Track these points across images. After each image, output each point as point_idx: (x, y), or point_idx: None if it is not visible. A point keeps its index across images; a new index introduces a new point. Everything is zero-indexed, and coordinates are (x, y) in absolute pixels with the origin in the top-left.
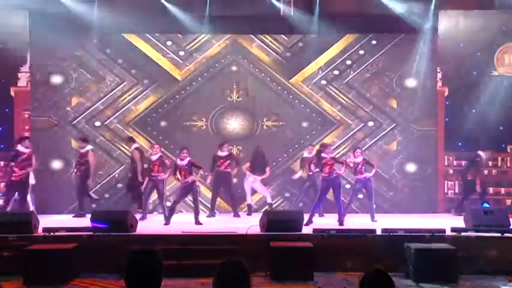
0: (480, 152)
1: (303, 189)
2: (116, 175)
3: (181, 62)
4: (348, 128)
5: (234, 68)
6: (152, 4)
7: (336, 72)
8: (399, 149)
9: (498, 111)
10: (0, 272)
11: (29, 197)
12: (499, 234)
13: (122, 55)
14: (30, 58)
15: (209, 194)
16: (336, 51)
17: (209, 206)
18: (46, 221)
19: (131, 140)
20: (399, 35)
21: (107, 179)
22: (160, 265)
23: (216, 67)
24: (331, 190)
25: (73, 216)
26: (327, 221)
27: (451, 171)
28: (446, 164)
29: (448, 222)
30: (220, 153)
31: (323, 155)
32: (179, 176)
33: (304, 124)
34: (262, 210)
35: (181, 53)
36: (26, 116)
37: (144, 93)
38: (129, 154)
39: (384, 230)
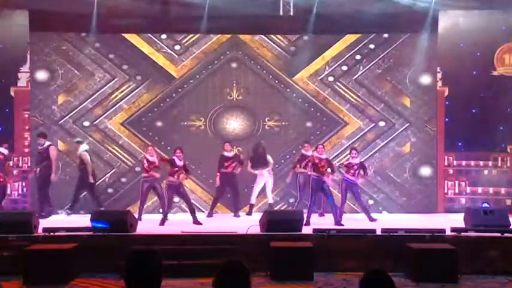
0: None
1: (299, 190)
2: (106, 179)
3: (177, 57)
4: (357, 128)
5: (234, 65)
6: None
7: (345, 67)
8: (413, 151)
9: (498, 111)
10: (0, 272)
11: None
12: (499, 234)
13: (113, 50)
14: (30, 58)
15: (201, 195)
16: (344, 46)
17: (200, 206)
18: (46, 221)
19: (44, 136)
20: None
21: (96, 184)
22: (160, 265)
23: (215, 64)
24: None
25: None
26: (327, 221)
27: (451, 171)
28: (446, 164)
29: (448, 222)
30: (227, 154)
31: (303, 151)
32: (175, 176)
33: (309, 124)
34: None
35: (177, 47)
36: (26, 116)
37: (137, 90)
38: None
39: (383, 230)
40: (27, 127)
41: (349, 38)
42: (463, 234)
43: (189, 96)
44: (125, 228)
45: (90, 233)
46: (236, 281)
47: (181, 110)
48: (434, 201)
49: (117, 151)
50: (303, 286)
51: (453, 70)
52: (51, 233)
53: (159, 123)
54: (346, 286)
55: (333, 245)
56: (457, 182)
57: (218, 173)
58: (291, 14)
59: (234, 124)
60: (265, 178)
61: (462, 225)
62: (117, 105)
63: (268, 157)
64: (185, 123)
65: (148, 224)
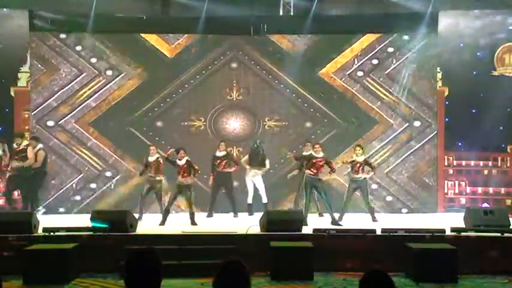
0: None
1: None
2: (73, 185)
3: (177, 55)
4: (388, 127)
5: (234, 65)
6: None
7: (363, 69)
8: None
9: (498, 111)
10: (0, 272)
11: None
12: (499, 234)
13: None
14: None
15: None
16: (356, 51)
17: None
18: (46, 221)
19: (36, 139)
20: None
21: (61, 190)
22: (160, 265)
23: (215, 64)
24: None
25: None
26: (327, 221)
27: (451, 171)
28: (446, 164)
29: (448, 222)
30: (218, 154)
31: (304, 153)
32: (180, 176)
33: (308, 124)
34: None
35: (177, 47)
36: (26, 116)
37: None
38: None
39: (383, 230)
40: (27, 127)
41: (360, 44)
42: (463, 234)
43: (190, 96)
44: (124, 228)
45: (90, 233)
46: (236, 281)
47: (182, 110)
48: (435, 201)
49: (86, 154)
50: (303, 286)
51: (453, 70)
52: (51, 233)
53: (159, 123)
54: (346, 286)
55: (333, 245)
56: (457, 182)
57: (211, 174)
58: (291, 14)
59: (234, 124)
60: (256, 176)
61: (462, 225)
62: (85, 104)
63: (267, 161)
64: (185, 123)
65: (148, 224)
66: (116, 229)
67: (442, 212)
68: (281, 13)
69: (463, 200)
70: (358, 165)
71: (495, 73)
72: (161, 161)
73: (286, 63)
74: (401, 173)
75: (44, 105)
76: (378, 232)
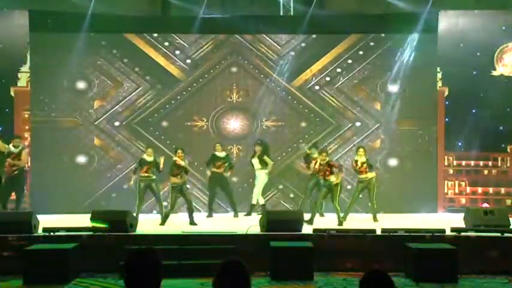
0: None
1: (308, 189)
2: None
3: (188, 69)
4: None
5: (234, 69)
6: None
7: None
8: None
9: (498, 111)
10: (0, 272)
11: None
12: (499, 234)
13: (136, 61)
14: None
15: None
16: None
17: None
18: (46, 221)
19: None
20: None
21: (123, 173)
22: (160, 265)
23: (216, 68)
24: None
25: None
26: (327, 221)
27: (451, 171)
28: (446, 164)
29: (448, 222)
30: (219, 154)
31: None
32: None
33: (303, 124)
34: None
35: (188, 61)
36: (26, 116)
37: (151, 94)
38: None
39: (384, 230)
40: (27, 127)
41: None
42: (463, 234)
43: (193, 98)
44: (124, 228)
45: (90, 233)
46: (236, 281)
47: (186, 111)
48: (435, 201)
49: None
50: (303, 286)
51: (453, 70)
52: (51, 233)
53: (164, 123)
54: (346, 286)
55: (333, 245)
56: (457, 182)
57: (208, 172)
58: (291, 13)
59: (234, 124)
60: (258, 178)
61: (462, 225)
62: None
63: (268, 160)
64: (189, 123)
65: (148, 224)
66: (115, 229)
67: (442, 212)
68: (281, 13)
69: (463, 200)
70: (362, 165)
71: (495, 73)
72: (159, 162)
73: (281, 65)
74: (401, 173)
75: (112, 110)
76: (378, 232)
